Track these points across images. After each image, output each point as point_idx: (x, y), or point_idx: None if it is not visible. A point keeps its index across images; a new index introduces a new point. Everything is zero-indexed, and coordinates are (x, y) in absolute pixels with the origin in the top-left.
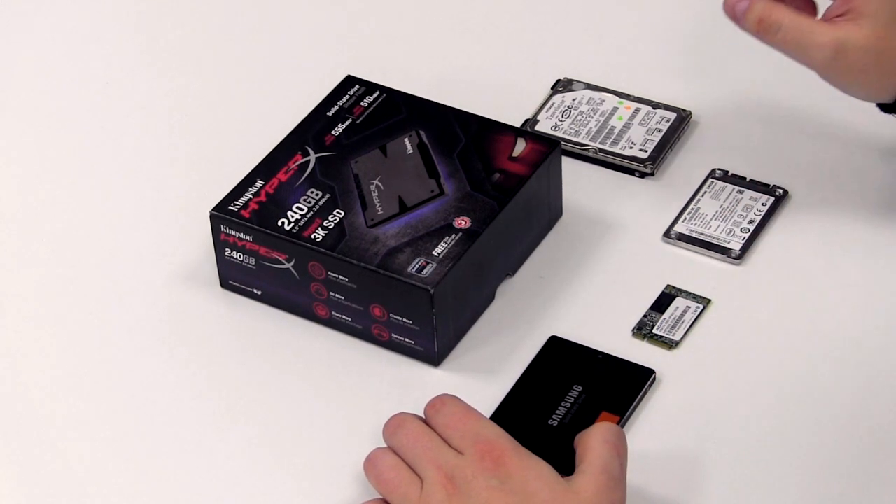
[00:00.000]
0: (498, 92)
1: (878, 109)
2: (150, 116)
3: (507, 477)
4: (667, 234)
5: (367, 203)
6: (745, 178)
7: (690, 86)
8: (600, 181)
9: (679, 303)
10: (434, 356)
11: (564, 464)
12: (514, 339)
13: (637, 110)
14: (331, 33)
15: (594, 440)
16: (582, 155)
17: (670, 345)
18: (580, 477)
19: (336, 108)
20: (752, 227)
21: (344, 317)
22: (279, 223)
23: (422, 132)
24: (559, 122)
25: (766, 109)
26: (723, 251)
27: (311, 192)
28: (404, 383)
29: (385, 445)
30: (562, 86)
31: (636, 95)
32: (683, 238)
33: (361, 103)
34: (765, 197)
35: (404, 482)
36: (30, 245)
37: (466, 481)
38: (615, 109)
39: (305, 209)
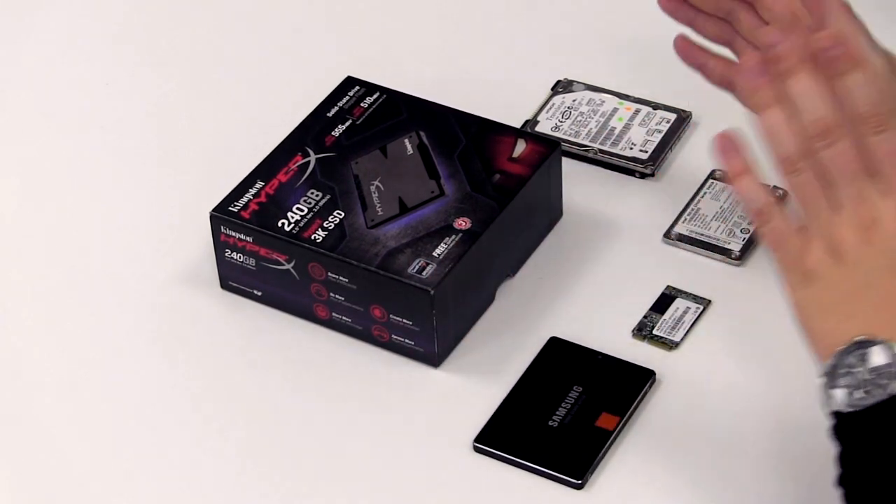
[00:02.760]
0: (498, 93)
1: None
2: (150, 117)
3: None
4: (667, 234)
5: (367, 204)
6: None
7: (690, 86)
8: (600, 182)
9: (679, 303)
10: (434, 357)
11: (564, 464)
12: (514, 340)
13: (637, 111)
14: (331, 34)
15: None
16: (582, 156)
17: (670, 345)
18: None
19: (336, 108)
20: (752, 228)
21: (344, 318)
22: (279, 224)
23: (422, 133)
24: (559, 123)
25: None
26: (723, 252)
27: (312, 193)
28: (404, 384)
29: None
30: (562, 87)
31: (636, 96)
32: (683, 239)
33: (362, 104)
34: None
35: (819, 195)
36: (30, 245)
37: (888, 235)
38: (615, 110)
39: (305, 210)
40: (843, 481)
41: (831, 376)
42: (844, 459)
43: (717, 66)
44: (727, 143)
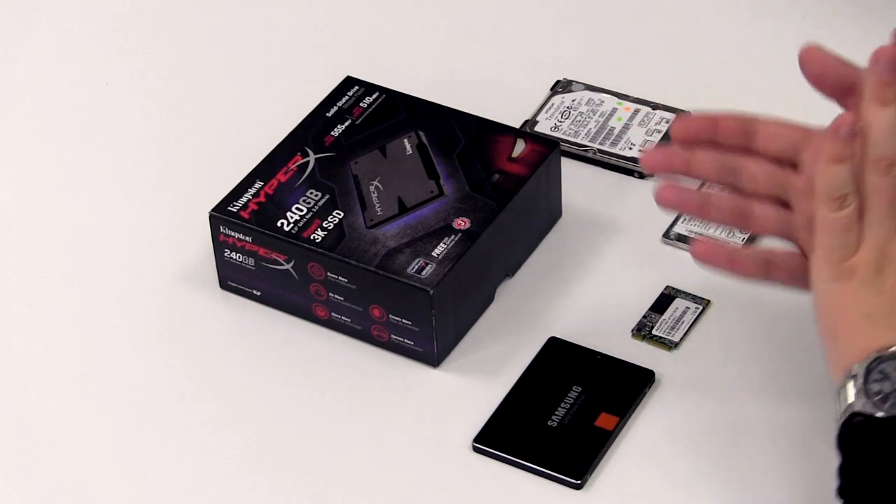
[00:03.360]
0: (497, 93)
1: None
2: (149, 117)
3: None
4: (666, 234)
5: (366, 204)
6: None
7: (690, 86)
8: (600, 182)
9: (678, 303)
10: (433, 357)
11: (564, 464)
12: (514, 340)
13: (636, 111)
14: (331, 33)
15: None
16: (581, 156)
17: (670, 345)
18: None
19: (335, 108)
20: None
21: (343, 318)
22: (278, 224)
23: (421, 133)
24: (558, 123)
25: (765, 110)
26: None
27: (311, 193)
28: (404, 384)
29: None
30: (561, 87)
31: (635, 96)
32: (683, 239)
33: (361, 104)
34: None
35: (893, 206)
36: (30, 245)
37: None
38: (614, 110)
39: (305, 210)
40: (844, 493)
41: (865, 379)
42: (847, 470)
43: (748, 256)
44: (846, 128)
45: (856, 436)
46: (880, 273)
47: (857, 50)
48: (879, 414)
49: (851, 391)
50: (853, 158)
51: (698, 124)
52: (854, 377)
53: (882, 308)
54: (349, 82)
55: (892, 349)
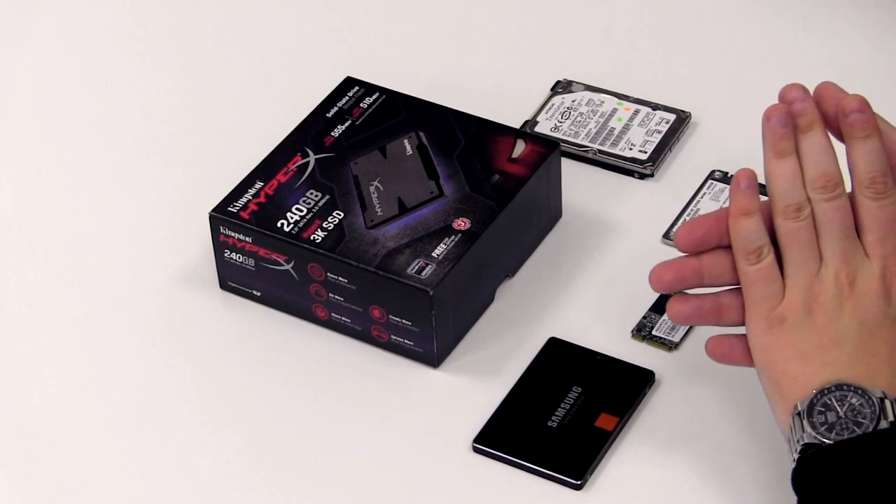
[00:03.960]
0: (497, 93)
1: None
2: (149, 117)
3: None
4: (666, 235)
5: (366, 204)
6: None
7: (690, 86)
8: (600, 182)
9: None
10: (433, 357)
11: (564, 464)
12: (514, 341)
13: (636, 111)
14: (331, 34)
15: None
16: (581, 156)
17: (670, 346)
18: None
19: (336, 109)
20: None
21: (343, 318)
22: (278, 224)
23: (421, 133)
24: (559, 124)
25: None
26: None
27: (311, 194)
28: (403, 385)
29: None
30: (561, 87)
31: (635, 97)
32: None
33: (361, 105)
34: (764, 199)
35: (812, 245)
36: (29, 246)
37: (865, 295)
38: (615, 111)
39: (305, 210)
40: None
41: (808, 413)
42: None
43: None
44: (745, 181)
45: (810, 469)
46: (810, 314)
47: (857, 50)
48: (827, 441)
49: (798, 427)
50: (761, 211)
51: (703, 230)
52: (799, 414)
53: (816, 346)
54: (349, 82)
55: (831, 383)
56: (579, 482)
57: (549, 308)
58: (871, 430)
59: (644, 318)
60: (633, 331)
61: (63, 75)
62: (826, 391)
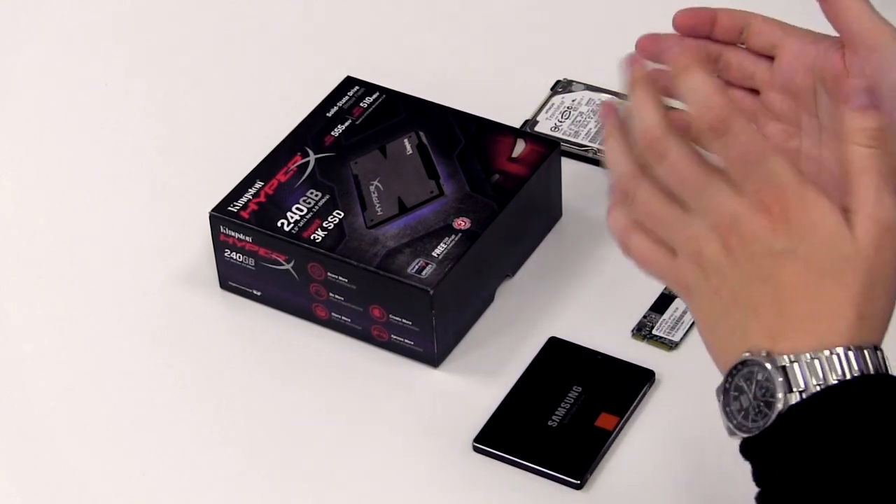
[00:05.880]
0: (498, 93)
1: None
2: (149, 117)
3: (787, 232)
4: None
5: (366, 204)
6: None
7: None
8: (600, 182)
9: (679, 303)
10: (433, 357)
11: (564, 464)
12: (514, 340)
13: None
14: (331, 33)
15: (858, 171)
16: (581, 156)
17: (670, 345)
18: (857, 222)
19: (336, 108)
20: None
21: (343, 318)
22: (279, 224)
23: (421, 133)
24: (559, 123)
25: None
26: None
27: (311, 193)
28: (404, 384)
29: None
30: (561, 87)
31: None
32: None
33: (361, 104)
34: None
35: (666, 210)
36: (29, 246)
37: (749, 236)
38: None
39: (305, 210)
40: (763, 500)
41: (725, 402)
42: (758, 478)
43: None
44: (608, 108)
45: (749, 447)
46: (704, 276)
47: None
48: (745, 435)
49: (723, 415)
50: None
51: (699, 18)
52: (721, 400)
53: (719, 310)
54: (349, 82)
55: (742, 357)
56: (579, 482)
57: (549, 308)
58: (783, 406)
59: (644, 317)
60: (633, 330)
61: (63, 75)
62: (735, 371)
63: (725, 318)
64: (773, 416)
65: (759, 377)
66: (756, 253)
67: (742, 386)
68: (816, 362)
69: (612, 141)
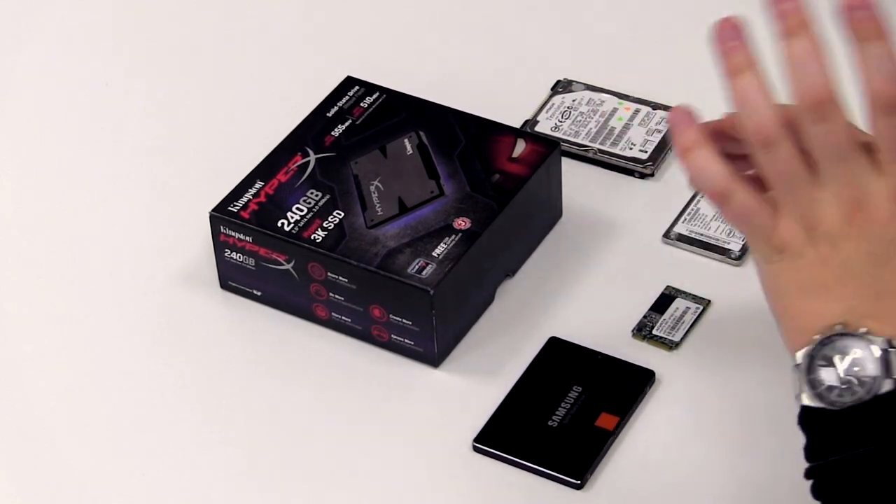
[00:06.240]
0: (498, 92)
1: None
2: (149, 117)
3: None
4: (666, 234)
5: (366, 204)
6: None
7: (690, 86)
8: (600, 182)
9: (679, 303)
10: (434, 357)
11: (564, 464)
12: (514, 340)
13: (637, 111)
14: (331, 33)
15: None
16: (582, 156)
17: (670, 346)
18: None
19: (336, 108)
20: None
21: (343, 318)
22: (279, 224)
23: (421, 133)
24: (559, 123)
25: None
26: (722, 252)
27: (311, 193)
28: (404, 384)
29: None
30: (562, 87)
31: (636, 96)
32: (683, 239)
33: (361, 104)
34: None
35: (800, 169)
36: (30, 245)
37: (874, 221)
38: (615, 110)
39: (305, 210)
40: (813, 475)
41: (809, 367)
42: (813, 453)
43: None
44: (680, 116)
45: (815, 420)
46: (812, 244)
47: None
48: (825, 406)
49: (798, 382)
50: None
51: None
52: (798, 366)
53: (819, 281)
54: (349, 82)
55: (835, 331)
56: (579, 482)
57: (550, 307)
58: (873, 391)
59: (644, 317)
60: (633, 331)
61: (63, 75)
62: (827, 341)
63: (826, 288)
64: (866, 396)
65: (857, 354)
66: (876, 235)
67: (832, 357)
68: None
69: (752, 82)
